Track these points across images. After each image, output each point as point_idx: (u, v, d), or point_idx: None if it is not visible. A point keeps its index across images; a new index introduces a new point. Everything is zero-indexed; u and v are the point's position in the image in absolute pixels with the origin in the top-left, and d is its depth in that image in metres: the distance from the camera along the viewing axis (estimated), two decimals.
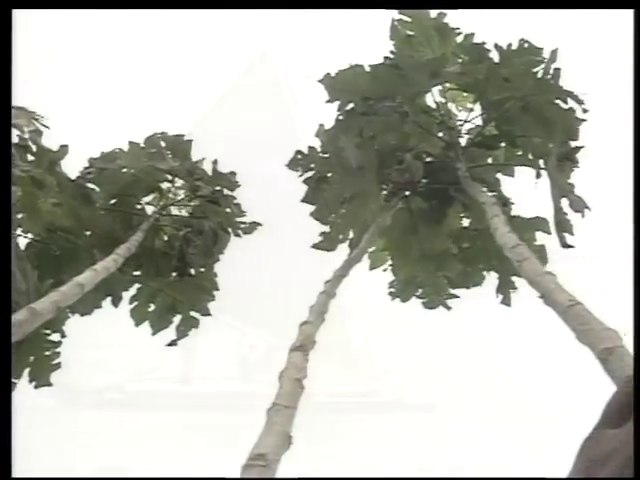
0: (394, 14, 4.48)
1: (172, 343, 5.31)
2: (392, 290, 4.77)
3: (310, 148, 4.84)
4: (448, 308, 4.70)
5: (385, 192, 4.37)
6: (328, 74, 4.11)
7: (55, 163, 4.25)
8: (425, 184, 4.60)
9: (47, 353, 3.98)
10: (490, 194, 4.48)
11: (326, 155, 4.76)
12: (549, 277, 2.64)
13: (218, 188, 5.48)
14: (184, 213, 6.12)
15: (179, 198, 5.90)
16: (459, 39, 4.58)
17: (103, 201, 4.84)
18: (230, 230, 5.85)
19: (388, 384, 28.83)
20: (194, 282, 5.35)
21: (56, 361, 3.97)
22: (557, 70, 3.96)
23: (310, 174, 4.86)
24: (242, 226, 6.08)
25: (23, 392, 3.95)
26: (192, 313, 5.38)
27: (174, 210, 6.00)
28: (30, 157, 4.29)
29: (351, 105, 4.24)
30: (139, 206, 5.69)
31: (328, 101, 4.21)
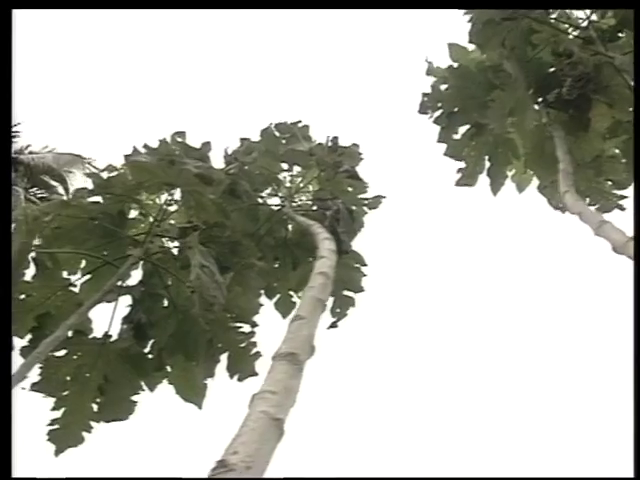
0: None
1: (333, 325, 5.18)
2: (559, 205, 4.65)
3: (433, 87, 4.73)
4: (622, 209, 4.52)
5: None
6: None
7: (203, 159, 4.20)
8: (556, 95, 4.43)
9: (242, 345, 3.88)
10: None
11: (450, 91, 4.67)
12: None
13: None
14: (304, 199, 6.08)
15: (301, 185, 5.83)
16: None
17: (245, 195, 4.77)
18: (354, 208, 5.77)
19: None
20: (340, 262, 5.21)
21: (254, 350, 3.87)
22: None
23: (438, 113, 4.78)
24: (365, 202, 5.99)
25: None
26: (345, 292, 5.26)
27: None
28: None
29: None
30: (260, 199, 5.65)
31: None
